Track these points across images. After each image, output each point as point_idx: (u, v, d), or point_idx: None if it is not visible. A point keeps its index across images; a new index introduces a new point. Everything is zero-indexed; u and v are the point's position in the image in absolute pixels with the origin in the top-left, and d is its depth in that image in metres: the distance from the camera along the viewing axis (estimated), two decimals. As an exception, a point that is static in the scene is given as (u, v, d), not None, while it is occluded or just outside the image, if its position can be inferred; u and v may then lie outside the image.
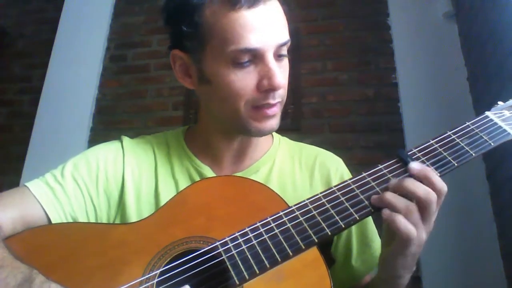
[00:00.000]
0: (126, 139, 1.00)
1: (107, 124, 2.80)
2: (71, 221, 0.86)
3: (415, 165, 0.74)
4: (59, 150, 2.53)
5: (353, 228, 0.95)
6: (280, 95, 0.85)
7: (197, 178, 0.94)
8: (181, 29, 0.85)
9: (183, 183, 0.93)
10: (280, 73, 0.82)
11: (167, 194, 0.91)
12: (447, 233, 1.99)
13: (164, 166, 0.96)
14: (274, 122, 0.87)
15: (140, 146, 0.99)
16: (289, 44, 0.85)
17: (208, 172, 0.94)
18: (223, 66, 0.82)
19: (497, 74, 1.86)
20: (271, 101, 0.83)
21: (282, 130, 1.08)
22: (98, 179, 0.91)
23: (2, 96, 3.09)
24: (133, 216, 0.89)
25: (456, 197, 1.90)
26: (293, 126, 2.49)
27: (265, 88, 0.81)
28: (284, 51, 0.85)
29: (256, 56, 0.81)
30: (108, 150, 0.97)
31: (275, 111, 0.86)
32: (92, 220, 0.89)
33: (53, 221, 0.84)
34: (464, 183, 1.90)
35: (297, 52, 2.60)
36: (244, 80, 0.81)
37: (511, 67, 1.72)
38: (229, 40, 0.79)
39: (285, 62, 0.87)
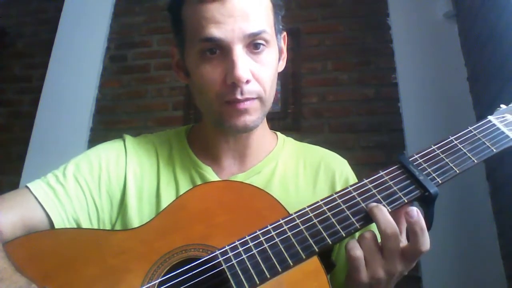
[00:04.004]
0: (128, 138, 1.00)
1: (107, 124, 2.80)
2: (72, 222, 0.86)
3: (414, 213, 0.70)
4: (59, 150, 2.52)
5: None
6: (252, 91, 0.83)
7: (198, 179, 0.93)
8: (172, 26, 0.90)
9: (184, 185, 0.93)
10: (245, 66, 0.80)
11: (168, 195, 0.91)
12: (447, 233, 2.00)
13: (166, 167, 0.96)
14: (249, 119, 0.85)
15: (143, 146, 0.99)
16: (265, 36, 0.83)
17: (209, 173, 0.94)
18: (195, 59, 0.84)
19: (497, 74, 1.86)
20: (238, 97, 0.82)
21: (283, 130, 1.09)
22: (101, 179, 0.91)
23: (2, 96, 3.09)
24: (134, 217, 0.89)
25: (456, 197, 1.92)
26: (293, 126, 2.49)
27: (230, 81, 0.81)
28: (260, 44, 0.83)
29: (223, 49, 0.81)
30: (110, 150, 0.96)
31: (247, 106, 0.83)
32: (94, 221, 0.89)
33: (55, 223, 0.83)
34: (464, 183, 1.90)
35: (297, 52, 2.60)
36: (212, 73, 0.82)
37: (511, 67, 1.72)
38: (196, 33, 0.82)
39: (264, 56, 0.85)
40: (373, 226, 0.73)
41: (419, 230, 0.69)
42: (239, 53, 0.80)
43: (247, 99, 0.83)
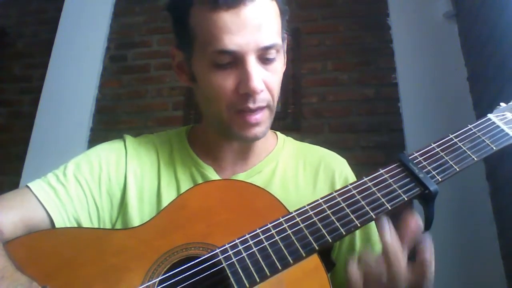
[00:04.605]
0: (129, 139, 1.00)
1: (107, 124, 2.79)
2: (73, 221, 0.86)
3: (414, 223, 0.70)
4: (59, 150, 2.53)
5: (357, 230, 0.94)
6: (263, 99, 0.84)
7: (199, 179, 0.93)
8: (174, 27, 0.88)
9: (185, 184, 0.93)
10: (259, 76, 0.80)
11: (169, 195, 0.91)
12: (447, 233, 1.99)
13: (167, 166, 0.96)
14: (259, 130, 0.86)
15: (143, 146, 0.99)
16: (277, 47, 0.83)
17: (210, 172, 0.94)
18: (206, 66, 0.83)
19: (497, 74, 1.86)
20: (251, 106, 0.82)
21: (283, 130, 1.09)
22: (101, 179, 0.91)
23: (2, 96, 3.08)
24: (135, 216, 0.89)
25: (456, 197, 1.91)
26: (293, 126, 2.49)
27: (243, 91, 0.81)
28: (271, 54, 0.83)
29: (236, 58, 0.80)
30: (110, 150, 0.97)
31: (259, 119, 0.85)
32: (95, 220, 0.89)
33: (56, 222, 0.84)
34: (464, 183, 1.90)
35: (297, 52, 2.61)
36: (224, 82, 0.82)
37: (511, 67, 1.72)
38: (208, 41, 0.80)
39: (275, 65, 0.85)
40: (373, 225, 0.73)
41: (428, 263, 0.68)
42: (253, 64, 0.80)
43: (258, 108, 0.83)
